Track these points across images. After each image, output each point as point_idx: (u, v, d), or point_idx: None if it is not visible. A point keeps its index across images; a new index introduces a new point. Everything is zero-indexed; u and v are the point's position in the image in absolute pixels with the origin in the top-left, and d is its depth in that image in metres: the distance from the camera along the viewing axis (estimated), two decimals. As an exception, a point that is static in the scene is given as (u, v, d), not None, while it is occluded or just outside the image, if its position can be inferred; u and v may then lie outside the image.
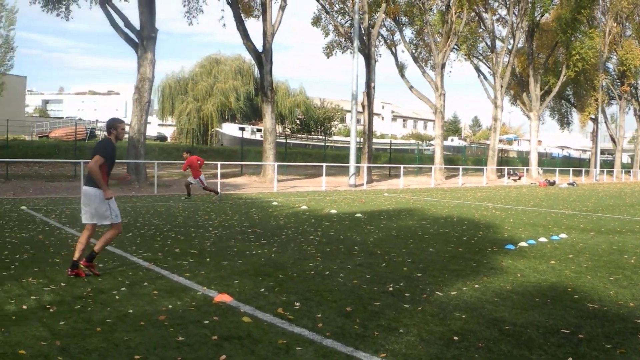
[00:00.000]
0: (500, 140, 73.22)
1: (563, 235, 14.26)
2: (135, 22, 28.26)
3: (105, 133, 8.66)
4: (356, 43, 34.70)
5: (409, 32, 50.45)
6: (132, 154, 27.55)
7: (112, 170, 8.57)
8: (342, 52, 48.59)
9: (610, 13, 60.92)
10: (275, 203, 20.69)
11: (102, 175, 8.15)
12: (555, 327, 6.53)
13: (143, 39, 27.81)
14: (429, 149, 72.04)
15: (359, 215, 17.50)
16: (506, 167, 48.92)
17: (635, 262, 10.95)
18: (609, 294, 8.24)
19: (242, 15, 35.00)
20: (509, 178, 47.52)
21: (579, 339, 6.17)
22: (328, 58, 49.43)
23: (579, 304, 7.62)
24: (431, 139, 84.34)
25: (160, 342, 5.57)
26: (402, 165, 37.32)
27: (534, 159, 56.68)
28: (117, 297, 7.16)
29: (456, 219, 17.24)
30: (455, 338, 6.01)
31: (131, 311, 6.59)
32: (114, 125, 8.39)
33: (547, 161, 72.18)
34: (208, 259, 9.74)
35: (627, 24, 65.39)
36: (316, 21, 46.41)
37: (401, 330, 6.18)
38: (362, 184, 33.32)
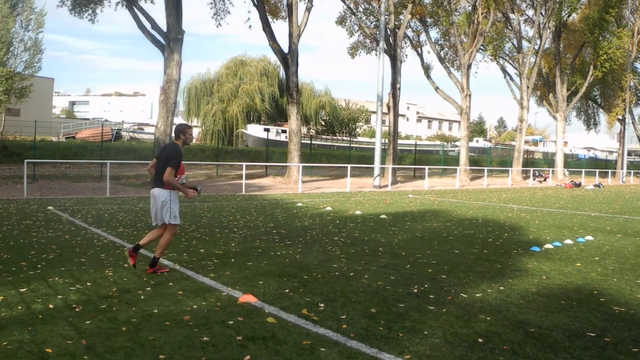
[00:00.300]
0: (526, 142, 72.76)
1: (589, 238, 14.15)
2: (162, 24, 28.43)
3: (174, 137, 8.88)
4: (382, 44, 34.62)
5: (434, 33, 50.48)
6: (157, 155, 27.66)
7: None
8: (367, 53, 48.64)
9: (639, 12, 60.26)
10: (299, 204, 20.71)
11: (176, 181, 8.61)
12: (581, 330, 6.50)
13: (170, 40, 27.95)
14: (453, 150, 71.79)
15: (383, 216, 17.47)
16: (531, 169, 48.58)
17: (663, 265, 10.84)
18: (635, 297, 8.19)
19: (269, 16, 35.09)
20: (534, 179, 47.17)
21: (605, 342, 6.14)
22: (353, 58, 49.47)
23: (605, 307, 7.58)
24: (456, 140, 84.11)
25: (185, 342, 5.61)
26: (426, 167, 37.19)
27: (559, 160, 56.28)
28: (142, 297, 7.22)
29: (481, 221, 17.17)
30: (480, 340, 6.00)
31: (156, 311, 6.64)
32: (182, 130, 8.71)
33: (573, 162, 71.67)
34: (233, 260, 9.78)
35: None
36: (341, 21, 46.38)
37: (426, 332, 6.18)
38: (386, 185, 33.26)
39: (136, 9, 28.73)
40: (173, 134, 9.00)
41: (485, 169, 42.57)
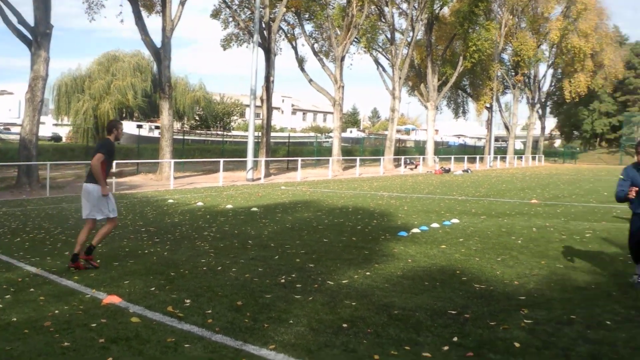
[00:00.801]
0: (398, 131, 74.54)
1: (455, 220, 14.69)
2: (30, 18, 27.21)
3: (106, 133, 9.31)
4: (256, 37, 34.49)
5: (310, 27, 50.68)
6: (23, 155, 26.52)
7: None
8: (239, 46, 48.32)
9: (506, 6, 63.25)
10: (170, 201, 20.27)
11: (102, 173, 8.89)
12: (442, 309, 6.77)
13: (37, 35, 26.79)
14: (327, 141, 72.55)
15: (255, 209, 17.40)
16: (403, 157, 49.73)
17: (522, 243, 11.44)
18: (495, 274, 8.60)
19: (144, 11, 34.33)
20: (405, 167, 48.29)
21: (465, 318, 6.43)
22: (224, 50, 48.98)
23: (467, 285, 7.92)
24: (330, 131, 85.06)
25: (44, 349, 5.42)
26: (299, 158, 37.42)
27: (430, 148, 57.86)
28: (0, 306, 6.91)
29: (351, 209, 17.45)
30: (345, 325, 6.12)
31: (15, 319, 6.37)
32: (115, 126, 9.22)
33: (443, 149, 73.86)
34: (99, 261, 9.45)
35: (522, 16, 67.88)
36: (216, 14, 45.86)
37: (291, 321, 6.25)
38: (259, 178, 33.24)
39: (1, 2, 27.39)
40: (106, 130, 9.39)
41: (358, 158, 43.25)
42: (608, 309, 6.87)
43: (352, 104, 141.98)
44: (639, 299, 7.17)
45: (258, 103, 37.11)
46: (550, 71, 76.48)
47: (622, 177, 7.94)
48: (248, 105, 35.64)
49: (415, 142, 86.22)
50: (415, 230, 12.86)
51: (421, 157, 53.19)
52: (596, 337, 5.95)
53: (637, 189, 7.50)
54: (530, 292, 7.68)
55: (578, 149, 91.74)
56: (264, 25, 38.91)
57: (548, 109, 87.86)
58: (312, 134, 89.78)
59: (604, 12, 70.92)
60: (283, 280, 8.11)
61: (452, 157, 54.80)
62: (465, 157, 56.34)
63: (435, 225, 13.79)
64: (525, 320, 6.39)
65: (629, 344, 5.76)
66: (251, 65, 33.59)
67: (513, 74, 70.58)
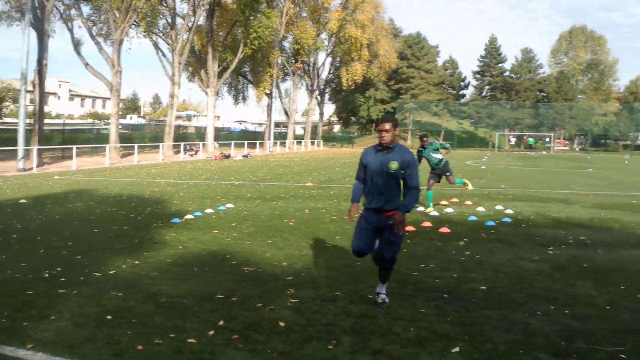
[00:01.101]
0: (179, 117, 73.97)
1: (229, 205, 14.92)
2: None
3: None
4: (28, 17, 32.55)
5: (87, 8, 48.29)
6: None
7: None
8: (9, 26, 45.45)
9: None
10: None
11: None
12: (211, 294, 6.89)
13: None
14: (106, 128, 70.36)
15: (23, 201, 16.41)
16: (183, 143, 49.33)
17: (294, 225, 11.89)
18: (265, 257, 8.90)
19: None
20: (185, 153, 47.98)
21: (233, 302, 6.60)
22: (-8, 29, 46.04)
23: (236, 269, 8.14)
24: (109, 117, 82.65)
25: None
26: (74, 146, 35.92)
27: (210, 134, 57.84)
28: None
29: (126, 197, 17.10)
30: (109, 317, 6.05)
31: None
32: None
33: (224, 135, 74.15)
34: None
35: (303, 5, 69.77)
36: (-18, -11, 42.73)
37: (53, 317, 6.06)
38: (31, 168, 31.59)
39: None
40: None
41: (136, 145, 42.38)
42: (371, 284, 7.26)
43: (133, 90, 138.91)
44: (400, 271, 7.67)
45: (30, 88, 35.18)
46: (329, 59, 79.26)
47: (360, 160, 6.82)
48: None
49: (197, 129, 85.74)
50: (189, 216, 12.92)
51: (201, 143, 53.13)
52: (359, 311, 6.36)
53: (356, 214, 6.94)
54: (298, 272, 8.02)
55: (355, 133, 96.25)
56: (37, 4, 36.87)
57: (327, 96, 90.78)
58: (90, 120, 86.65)
59: (380, 5, 75.28)
60: (47, 275, 7.81)
61: (233, 142, 55.22)
62: (246, 142, 57.03)
63: (209, 210, 13.91)
64: (291, 300, 6.68)
65: (389, 315, 6.22)
66: (22, 47, 31.83)
67: (293, 61, 72.35)
